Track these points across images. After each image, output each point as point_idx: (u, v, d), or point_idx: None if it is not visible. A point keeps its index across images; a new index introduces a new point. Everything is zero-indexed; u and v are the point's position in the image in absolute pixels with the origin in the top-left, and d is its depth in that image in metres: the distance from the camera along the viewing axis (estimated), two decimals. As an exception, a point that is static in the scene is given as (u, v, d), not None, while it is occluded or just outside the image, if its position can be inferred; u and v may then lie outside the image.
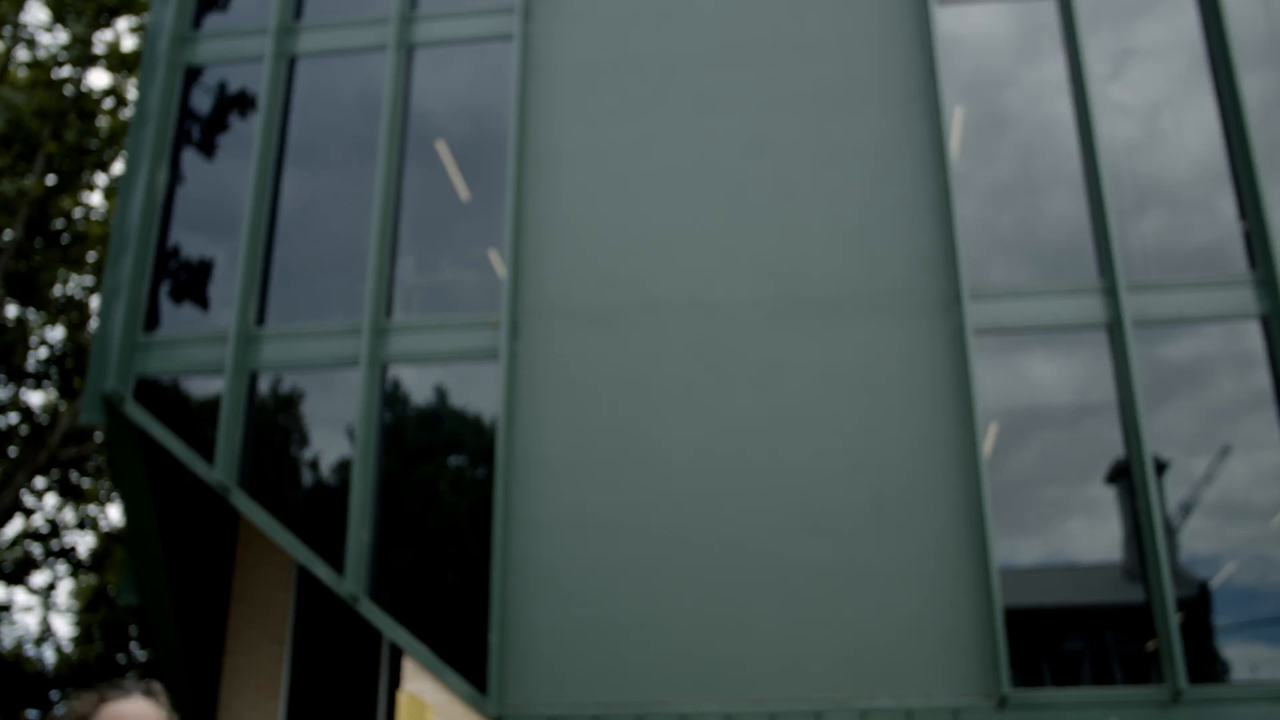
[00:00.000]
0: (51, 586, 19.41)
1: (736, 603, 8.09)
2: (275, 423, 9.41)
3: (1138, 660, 7.97)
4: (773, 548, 8.18)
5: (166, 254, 9.90)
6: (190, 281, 10.00)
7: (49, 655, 20.33)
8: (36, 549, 18.56)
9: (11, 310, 16.98)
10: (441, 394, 9.23)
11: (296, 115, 10.15)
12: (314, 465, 9.53)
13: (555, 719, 8.01)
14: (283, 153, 9.98)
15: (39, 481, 17.77)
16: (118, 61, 16.83)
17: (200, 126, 10.44)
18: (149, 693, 1.87)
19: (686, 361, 8.78)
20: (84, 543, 19.39)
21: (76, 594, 20.83)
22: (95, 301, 17.28)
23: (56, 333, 17.89)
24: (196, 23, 10.70)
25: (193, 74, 10.51)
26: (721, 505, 8.36)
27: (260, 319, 9.46)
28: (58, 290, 17.35)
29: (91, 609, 19.89)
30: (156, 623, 10.40)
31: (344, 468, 9.06)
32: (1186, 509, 8.29)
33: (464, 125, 10.18)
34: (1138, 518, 8.07)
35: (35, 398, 19.79)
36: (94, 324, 13.60)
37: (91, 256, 17.22)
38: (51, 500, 18.54)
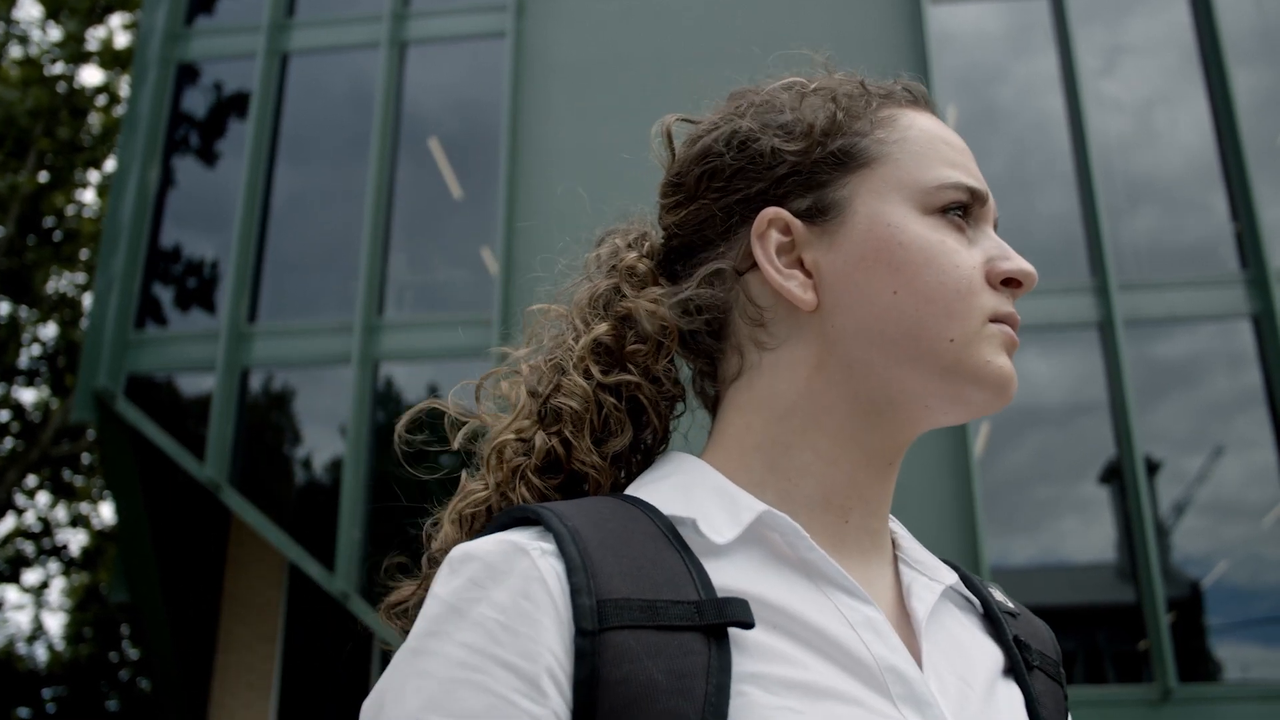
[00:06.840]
0: (44, 585, 19.36)
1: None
2: (267, 420, 9.38)
3: (1129, 659, 7.98)
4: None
5: (158, 251, 9.87)
6: (182, 278, 9.98)
7: (40, 653, 20.28)
8: (28, 547, 18.52)
9: (3, 307, 16.95)
10: (434, 392, 9.22)
11: (289, 112, 10.13)
12: (306, 463, 9.51)
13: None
14: (275, 150, 9.95)
15: (31, 479, 17.73)
16: (110, 58, 16.80)
17: (193, 124, 10.42)
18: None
19: (679, 360, 8.76)
20: (76, 541, 19.37)
21: (68, 592, 20.77)
22: (87, 299, 17.24)
23: (48, 330, 17.86)
24: (189, 20, 10.67)
25: (185, 71, 10.48)
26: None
27: (252, 316, 9.44)
28: (50, 287, 17.30)
29: (83, 607, 19.83)
30: (148, 621, 10.38)
31: (335, 465, 9.03)
32: (1179, 509, 8.30)
33: (457, 122, 10.16)
34: (1129, 518, 8.08)
35: (27, 395, 19.72)
36: (86, 321, 13.56)
37: (84, 254, 17.18)
38: (43, 498, 18.49)
